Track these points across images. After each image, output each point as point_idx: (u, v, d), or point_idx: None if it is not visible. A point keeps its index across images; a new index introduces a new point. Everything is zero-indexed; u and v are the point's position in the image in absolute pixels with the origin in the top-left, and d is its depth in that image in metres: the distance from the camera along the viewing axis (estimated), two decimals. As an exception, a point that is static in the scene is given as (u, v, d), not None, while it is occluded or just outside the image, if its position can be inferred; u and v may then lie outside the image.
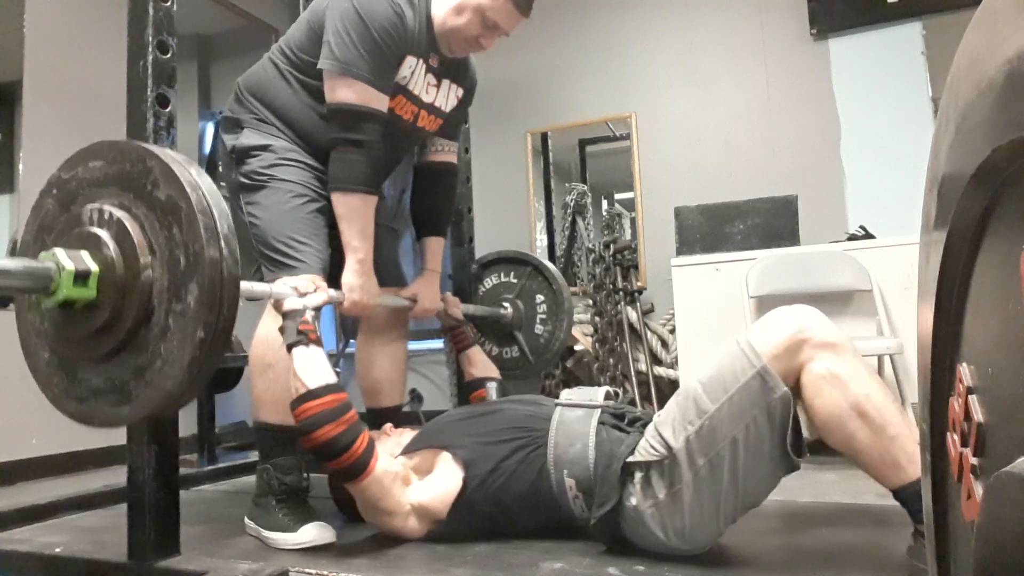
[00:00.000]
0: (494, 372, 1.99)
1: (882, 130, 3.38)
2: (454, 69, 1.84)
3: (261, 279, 1.64)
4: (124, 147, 1.05)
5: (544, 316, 2.25)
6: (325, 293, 1.48)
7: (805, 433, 1.19)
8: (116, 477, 1.79)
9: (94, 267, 0.97)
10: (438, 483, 1.38)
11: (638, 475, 1.25)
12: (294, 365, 1.34)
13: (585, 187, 4.17)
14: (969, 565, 0.39)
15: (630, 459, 1.26)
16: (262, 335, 1.57)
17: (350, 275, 1.62)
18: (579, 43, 4.03)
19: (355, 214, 1.61)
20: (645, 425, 1.35)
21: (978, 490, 0.38)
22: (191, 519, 1.67)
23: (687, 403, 1.22)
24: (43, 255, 0.98)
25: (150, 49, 1.25)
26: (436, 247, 1.97)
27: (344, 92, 1.58)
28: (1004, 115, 0.32)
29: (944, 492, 0.47)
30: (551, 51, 4.08)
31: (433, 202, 1.98)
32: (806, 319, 1.20)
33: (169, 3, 1.29)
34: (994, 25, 0.33)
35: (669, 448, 1.21)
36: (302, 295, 1.43)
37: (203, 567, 1.18)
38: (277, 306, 1.43)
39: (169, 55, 1.28)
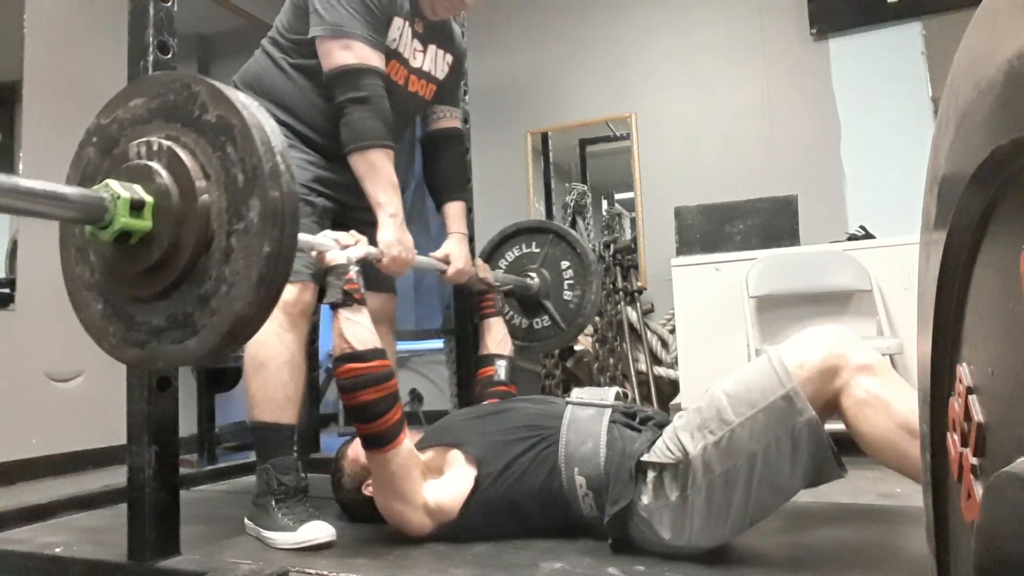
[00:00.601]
0: (507, 349, 1.96)
1: (882, 130, 3.38)
2: (438, 34, 1.85)
3: None
4: (165, 78, 1.03)
5: (572, 282, 2.24)
6: (366, 247, 1.46)
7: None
8: (116, 477, 1.79)
9: (148, 198, 0.95)
10: (450, 482, 1.38)
11: (651, 475, 1.25)
12: (340, 326, 1.33)
13: (585, 187, 4.17)
14: (969, 565, 0.39)
15: (645, 457, 1.26)
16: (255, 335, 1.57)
17: (386, 231, 1.59)
18: (579, 43, 4.03)
19: (375, 170, 1.60)
20: (659, 424, 1.36)
21: (978, 490, 0.38)
22: (191, 519, 1.67)
23: (710, 411, 1.22)
24: (95, 187, 0.95)
25: (150, 49, 1.25)
26: (460, 210, 1.98)
27: (340, 54, 1.57)
28: (1004, 115, 0.32)
29: (944, 492, 0.47)
30: (551, 51, 4.08)
31: (448, 168, 2.00)
32: (841, 343, 1.18)
33: (169, 3, 1.29)
34: (994, 25, 0.33)
35: (686, 453, 1.21)
36: (344, 247, 1.40)
37: (203, 567, 1.18)
38: (320, 259, 1.40)
39: (169, 55, 1.28)
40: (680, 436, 1.23)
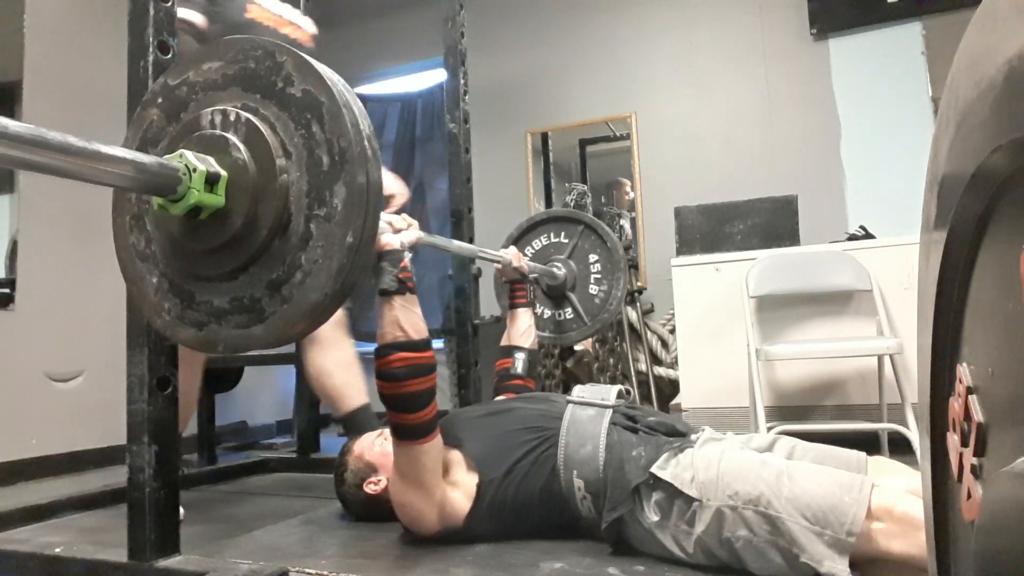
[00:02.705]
0: (529, 342, 1.93)
1: (882, 130, 3.38)
2: None
3: None
4: (246, 44, 0.94)
5: (599, 276, 2.20)
6: (418, 231, 1.42)
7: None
8: (116, 477, 1.79)
9: (222, 172, 0.88)
10: (455, 490, 1.36)
11: (659, 494, 1.24)
12: (396, 314, 1.27)
13: (585, 187, 4.17)
14: (969, 565, 0.39)
15: (659, 473, 1.24)
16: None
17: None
18: (579, 43, 4.03)
19: None
20: (668, 432, 1.34)
21: (978, 490, 0.38)
22: (191, 519, 1.67)
23: (752, 479, 1.16)
24: (169, 156, 0.88)
25: (150, 49, 1.24)
26: None
27: None
28: (1004, 115, 0.32)
29: (944, 492, 0.47)
30: (551, 51, 4.08)
31: None
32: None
33: (169, 3, 1.29)
34: (994, 25, 0.33)
35: (703, 498, 1.19)
36: (396, 231, 1.35)
37: (203, 567, 1.18)
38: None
39: (169, 55, 1.28)
40: (702, 476, 1.20)
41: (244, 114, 0.90)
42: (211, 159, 0.89)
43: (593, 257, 2.22)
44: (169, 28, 1.28)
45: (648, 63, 3.89)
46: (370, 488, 1.52)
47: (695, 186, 3.59)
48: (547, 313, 2.26)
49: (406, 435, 1.30)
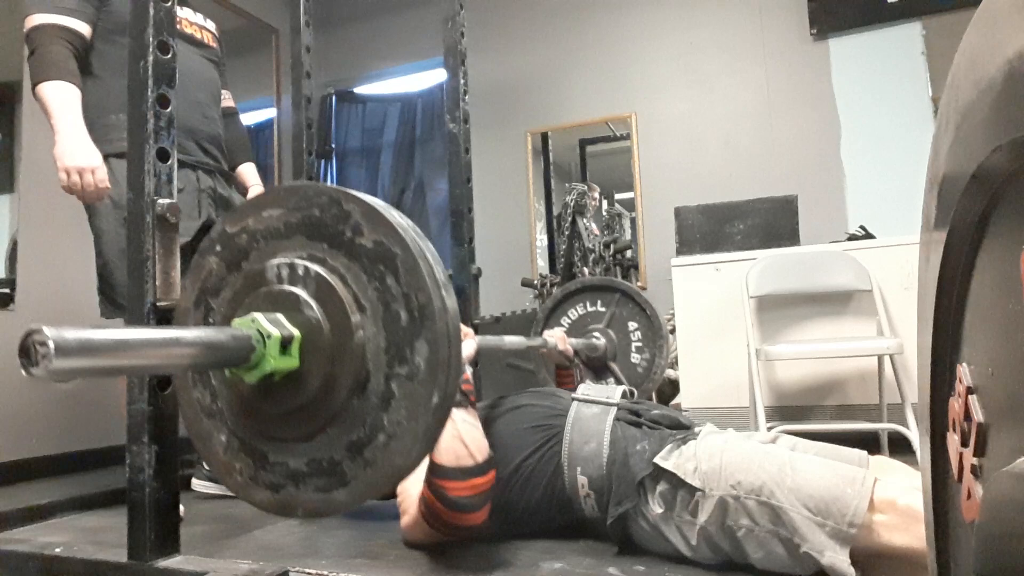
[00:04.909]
0: None
1: (882, 130, 3.38)
2: None
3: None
4: (308, 191, 0.89)
5: (640, 344, 2.16)
6: (474, 342, 1.38)
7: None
8: (116, 477, 1.79)
9: (295, 331, 0.84)
10: None
11: (663, 485, 1.24)
12: (458, 428, 1.21)
13: (585, 187, 4.17)
14: (969, 565, 0.39)
15: (663, 464, 1.24)
16: None
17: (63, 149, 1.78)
18: (579, 43, 4.03)
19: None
20: (671, 426, 1.34)
21: (978, 490, 0.38)
22: (191, 519, 1.67)
23: (754, 470, 1.16)
24: (238, 321, 0.85)
25: (150, 49, 1.24)
26: (254, 168, 2.36)
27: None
28: (1004, 115, 0.32)
29: (944, 492, 0.47)
30: (551, 51, 4.08)
31: (234, 139, 2.31)
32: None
33: (169, 3, 1.29)
34: (994, 25, 0.33)
35: (705, 488, 1.19)
36: None
37: (203, 567, 1.18)
38: None
39: (169, 55, 1.28)
40: (705, 466, 1.20)
41: (313, 267, 0.85)
42: (282, 317, 0.85)
43: (632, 325, 2.17)
44: (170, 28, 1.28)
45: (648, 63, 3.90)
46: None
47: (695, 186, 3.59)
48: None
49: (450, 534, 1.27)
